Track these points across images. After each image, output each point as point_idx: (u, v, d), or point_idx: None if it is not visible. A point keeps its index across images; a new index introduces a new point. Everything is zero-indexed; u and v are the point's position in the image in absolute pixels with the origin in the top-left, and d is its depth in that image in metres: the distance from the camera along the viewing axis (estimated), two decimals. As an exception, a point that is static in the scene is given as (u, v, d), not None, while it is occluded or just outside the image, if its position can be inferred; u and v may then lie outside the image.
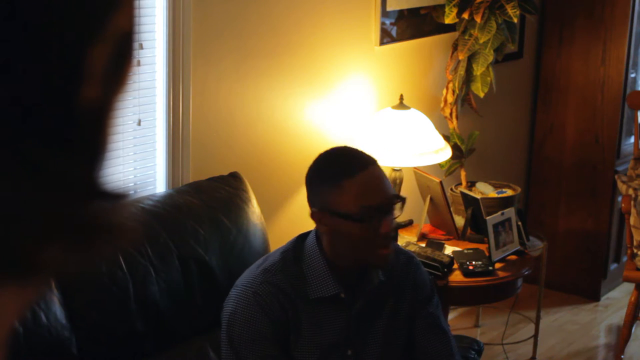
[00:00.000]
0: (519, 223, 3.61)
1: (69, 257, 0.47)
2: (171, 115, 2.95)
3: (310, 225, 2.26)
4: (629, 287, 4.53)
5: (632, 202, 4.13)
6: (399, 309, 2.31)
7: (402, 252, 2.38)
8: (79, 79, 0.46)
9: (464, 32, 3.80)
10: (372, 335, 2.28)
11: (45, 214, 0.45)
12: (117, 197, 0.48)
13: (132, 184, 2.94)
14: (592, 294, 4.80)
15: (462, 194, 3.78)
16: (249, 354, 2.17)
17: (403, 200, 2.23)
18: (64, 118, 0.46)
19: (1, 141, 0.44)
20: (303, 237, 2.29)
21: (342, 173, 2.16)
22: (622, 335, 4.12)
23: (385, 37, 3.75)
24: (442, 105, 3.91)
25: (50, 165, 0.45)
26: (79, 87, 0.46)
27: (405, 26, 3.84)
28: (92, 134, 0.48)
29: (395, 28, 3.80)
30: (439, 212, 3.67)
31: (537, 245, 3.79)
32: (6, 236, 0.44)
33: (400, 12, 3.80)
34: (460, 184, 4.02)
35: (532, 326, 4.22)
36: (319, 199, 2.19)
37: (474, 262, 3.36)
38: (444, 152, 3.54)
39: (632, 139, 4.58)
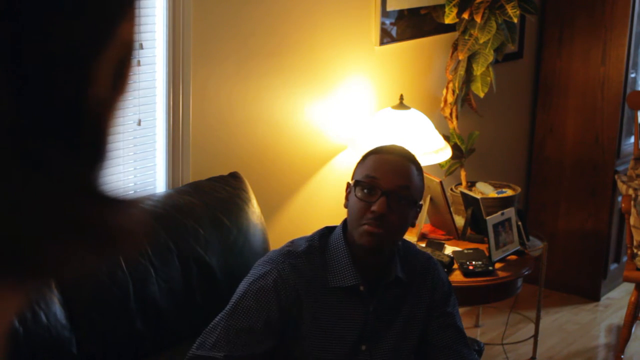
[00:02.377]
0: (519, 223, 3.60)
1: (72, 258, 0.48)
2: (171, 115, 2.95)
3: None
4: (629, 287, 4.53)
5: (632, 202, 4.13)
6: (416, 313, 2.37)
7: (420, 253, 2.46)
8: (86, 84, 0.49)
9: (464, 32, 3.79)
10: (387, 335, 2.33)
11: (48, 213, 0.46)
12: (125, 203, 0.50)
13: (132, 184, 2.94)
14: (592, 294, 4.80)
15: (462, 194, 3.78)
16: (243, 312, 2.24)
17: (408, 198, 2.28)
18: (70, 121, 0.48)
19: (9, 141, 0.46)
20: (330, 229, 2.37)
21: (371, 151, 2.34)
22: (622, 335, 4.12)
23: (385, 37, 3.75)
24: (442, 105, 3.91)
25: (55, 165, 0.47)
26: (86, 91, 0.49)
27: (405, 26, 3.84)
28: (95, 136, 0.50)
29: (395, 28, 3.79)
30: (439, 212, 3.67)
31: (537, 245, 3.79)
32: (8, 234, 0.45)
33: (400, 12, 3.79)
34: (460, 184, 4.02)
35: (532, 326, 4.22)
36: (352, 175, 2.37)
37: (474, 262, 3.36)
38: (444, 152, 3.54)
39: (632, 139, 4.58)
